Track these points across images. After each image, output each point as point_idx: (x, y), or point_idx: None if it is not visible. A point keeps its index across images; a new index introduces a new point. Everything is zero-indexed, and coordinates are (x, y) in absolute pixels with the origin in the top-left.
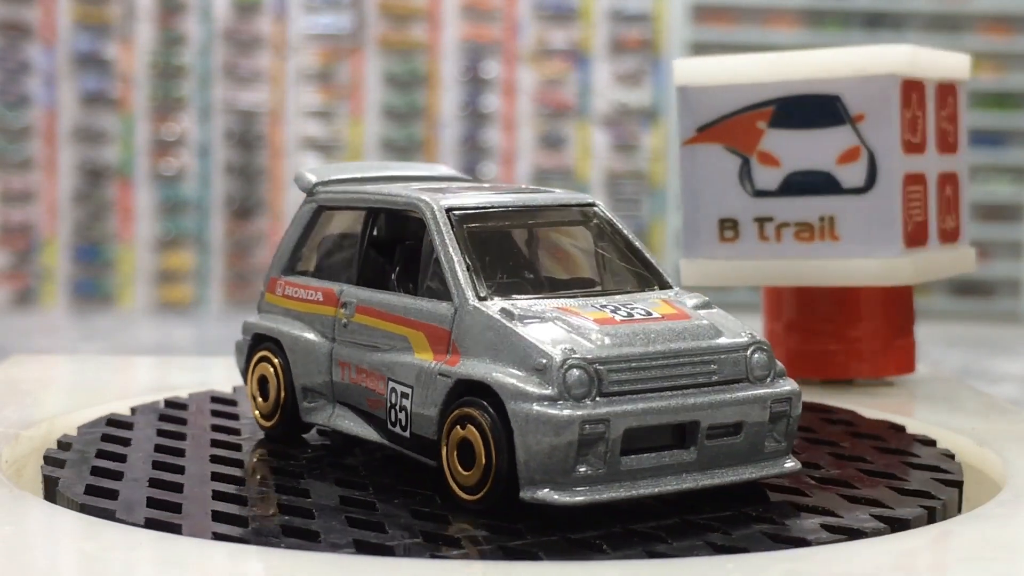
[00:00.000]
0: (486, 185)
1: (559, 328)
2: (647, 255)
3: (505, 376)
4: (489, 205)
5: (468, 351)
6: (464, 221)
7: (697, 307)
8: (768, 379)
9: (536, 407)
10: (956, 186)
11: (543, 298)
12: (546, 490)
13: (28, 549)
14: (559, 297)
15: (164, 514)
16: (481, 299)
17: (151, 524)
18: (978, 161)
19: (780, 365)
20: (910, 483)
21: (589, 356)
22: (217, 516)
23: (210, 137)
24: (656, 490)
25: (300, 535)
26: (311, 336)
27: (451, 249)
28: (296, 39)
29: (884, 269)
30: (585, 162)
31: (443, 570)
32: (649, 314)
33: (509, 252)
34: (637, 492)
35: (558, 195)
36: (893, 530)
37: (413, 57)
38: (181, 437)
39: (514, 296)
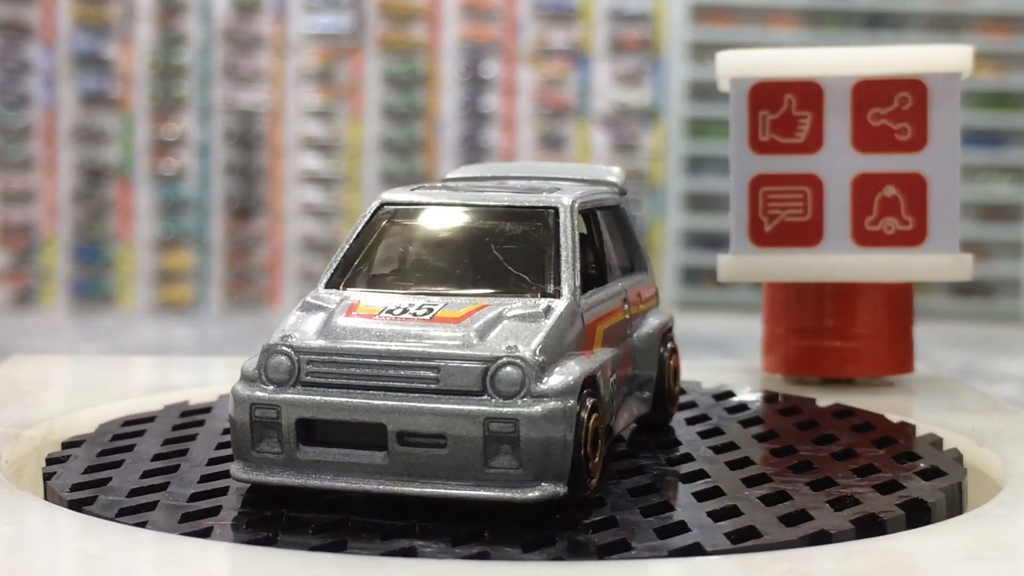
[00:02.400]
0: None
1: (314, 318)
2: (565, 264)
3: (252, 357)
4: (434, 202)
5: None
6: (398, 216)
7: (514, 316)
8: (517, 397)
9: (237, 386)
10: (917, 186)
11: (389, 293)
12: (234, 464)
13: (28, 549)
14: (408, 294)
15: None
16: (325, 287)
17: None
18: (978, 161)
19: (561, 386)
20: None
21: (297, 345)
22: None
23: (210, 137)
24: (337, 485)
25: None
26: None
27: (345, 239)
28: (296, 39)
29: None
30: (585, 162)
31: (443, 570)
32: (428, 314)
33: (436, 248)
34: (313, 483)
35: (519, 197)
36: (893, 530)
37: (413, 57)
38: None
39: (362, 288)
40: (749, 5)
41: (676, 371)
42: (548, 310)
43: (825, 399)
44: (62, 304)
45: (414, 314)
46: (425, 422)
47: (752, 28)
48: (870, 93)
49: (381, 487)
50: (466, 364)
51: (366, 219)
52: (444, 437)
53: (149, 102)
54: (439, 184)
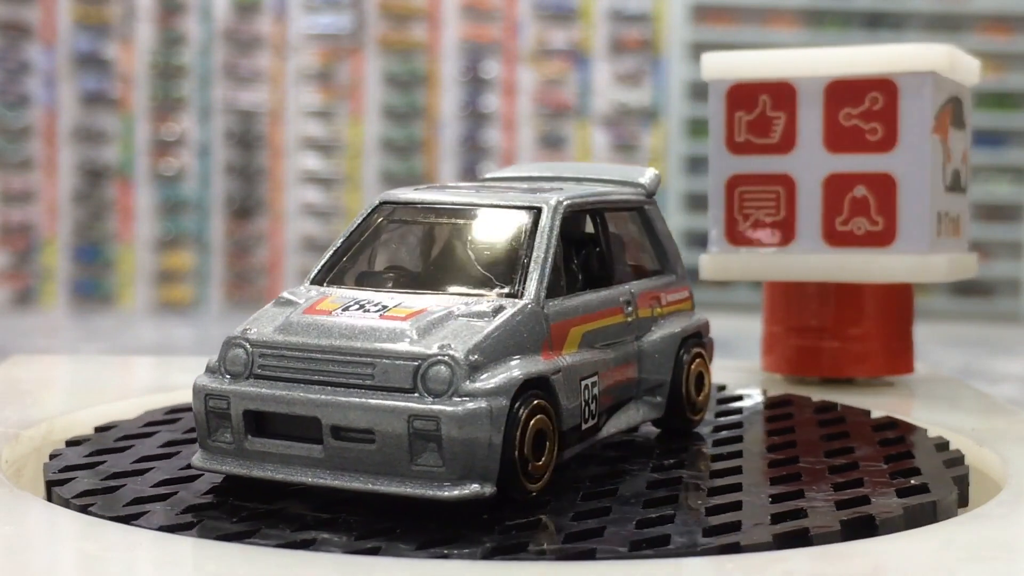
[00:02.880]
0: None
1: (278, 313)
2: (534, 264)
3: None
4: (426, 201)
5: None
6: (394, 215)
7: (463, 316)
8: (445, 395)
9: (199, 376)
10: (887, 187)
11: (361, 291)
12: (196, 454)
13: (28, 549)
14: (377, 292)
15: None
16: (311, 283)
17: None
18: (978, 161)
19: (490, 386)
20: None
21: (253, 339)
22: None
23: (210, 137)
24: (280, 477)
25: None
26: None
27: (340, 237)
28: (296, 39)
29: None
30: (585, 162)
31: (443, 570)
32: (380, 312)
33: (417, 247)
34: (257, 473)
35: (507, 197)
36: (892, 529)
37: (413, 57)
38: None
39: (340, 285)
40: (749, 5)
41: (701, 377)
42: (499, 310)
43: (825, 399)
44: (62, 304)
45: (367, 311)
46: (355, 417)
47: (752, 28)
48: (842, 93)
49: (318, 480)
50: (399, 362)
51: (362, 217)
52: (373, 433)
53: (149, 102)
54: (450, 184)
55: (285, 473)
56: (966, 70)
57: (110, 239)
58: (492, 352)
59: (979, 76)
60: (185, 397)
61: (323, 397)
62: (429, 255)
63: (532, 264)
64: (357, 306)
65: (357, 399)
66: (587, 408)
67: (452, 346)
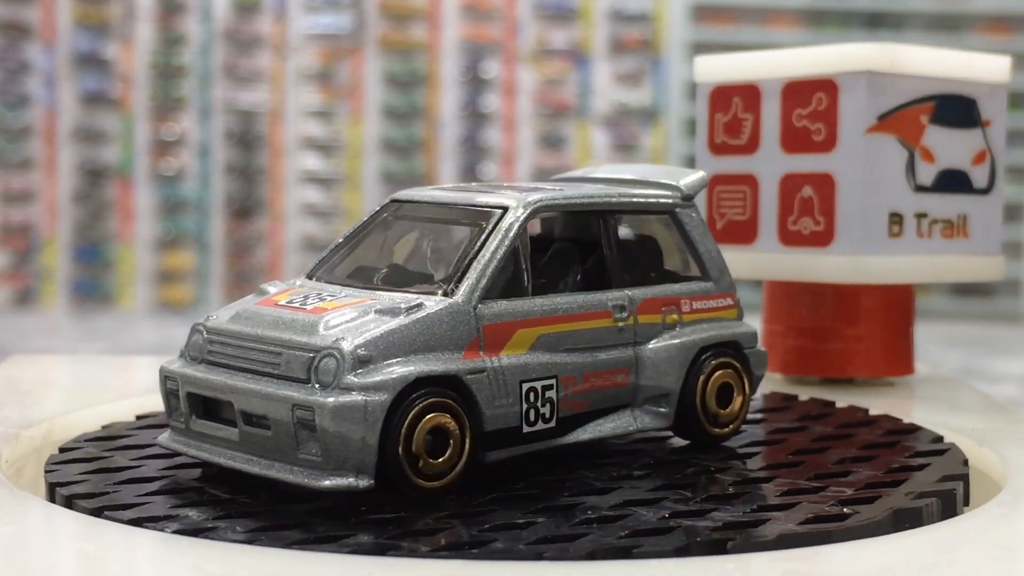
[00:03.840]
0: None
1: (242, 303)
2: (476, 263)
3: None
4: (420, 199)
5: None
6: (397, 213)
7: (377, 311)
8: (330, 386)
9: (168, 360)
10: (828, 187)
11: (320, 285)
12: (163, 434)
13: (28, 549)
14: (332, 286)
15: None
16: (306, 276)
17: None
18: None
19: (370, 381)
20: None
21: (208, 326)
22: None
23: (210, 137)
24: (212, 458)
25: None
26: None
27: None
28: (296, 39)
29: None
30: (585, 162)
31: (444, 570)
32: (309, 305)
33: (390, 244)
34: (196, 454)
35: (480, 197)
36: (892, 529)
37: (413, 57)
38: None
39: (317, 280)
40: (749, 5)
41: (728, 389)
42: (414, 308)
43: (824, 399)
44: (62, 304)
45: (305, 305)
46: (255, 404)
47: (752, 28)
48: (795, 94)
49: (231, 463)
50: (298, 352)
51: (370, 214)
52: (268, 419)
53: (149, 102)
54: (461, 184)
55: (213, 454)
56: (977, 68)
57: (110, 239)
58: (389, 348)
59: (1007, 74)
60: None
61: (236, 383)
62: (403, 253)
63: (474, 264)
64: (304, 299)
65: (257, 386)
66: (534, 411)
67: (345, 340)
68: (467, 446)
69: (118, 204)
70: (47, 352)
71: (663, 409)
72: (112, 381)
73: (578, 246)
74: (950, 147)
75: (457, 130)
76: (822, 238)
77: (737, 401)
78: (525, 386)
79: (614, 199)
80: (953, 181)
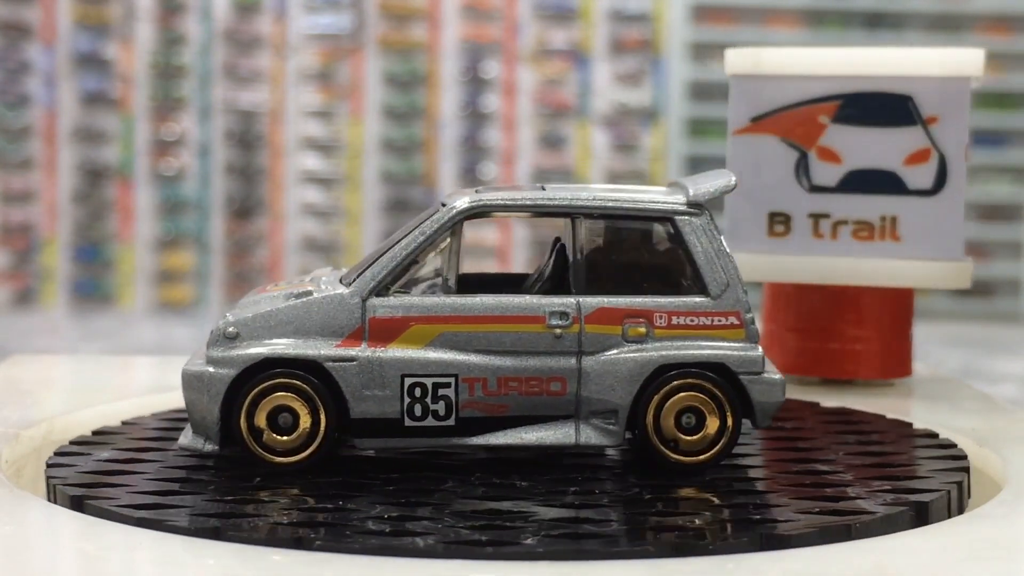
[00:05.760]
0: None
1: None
2: (383, 259)
3: None
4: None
5: None
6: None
7: (280, 297)
8: (204, 358)
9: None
10: None
11: (331, 277)
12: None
13: (28, 549)
14: (332, 280)
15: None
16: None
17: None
18: (979, 161)
19: (218, 355)
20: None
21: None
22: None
23: (210, 137)
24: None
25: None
26: None
27: None
28: (296, 39)
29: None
30: (585, 162)
31: (444, 570)
32: (274, 289)
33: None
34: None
35: (449, 197)
36: (891, 529)
37: (413, 57)
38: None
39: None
40: (749, 5)
41: (698, 415)
42: (302, 295)
43: (824, 400)
44: (62, 304)
45: (272, 289)
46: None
47: (752, 28)
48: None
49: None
50: (215, 331)
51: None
52: None
53: (149, 102)
54: (514, 186)
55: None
56: (911, 63)
57: (110, 239)
58: (259, 330)
59: (964, 68)
60: None
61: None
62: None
63: (382, 259)
64: (287, 287)
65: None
66: (420, 406)
67: (226, 318)
68: (322, 429)
69: (118, 204)
70: (47, 352)
71: (611, 426)
72: (112, 381)
73: (546, 249)
74: (868, 146)
75: (457, 130)
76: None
77: (710, 428)
78: (408, 380)
79: (586, 203)
80: (872, 181)
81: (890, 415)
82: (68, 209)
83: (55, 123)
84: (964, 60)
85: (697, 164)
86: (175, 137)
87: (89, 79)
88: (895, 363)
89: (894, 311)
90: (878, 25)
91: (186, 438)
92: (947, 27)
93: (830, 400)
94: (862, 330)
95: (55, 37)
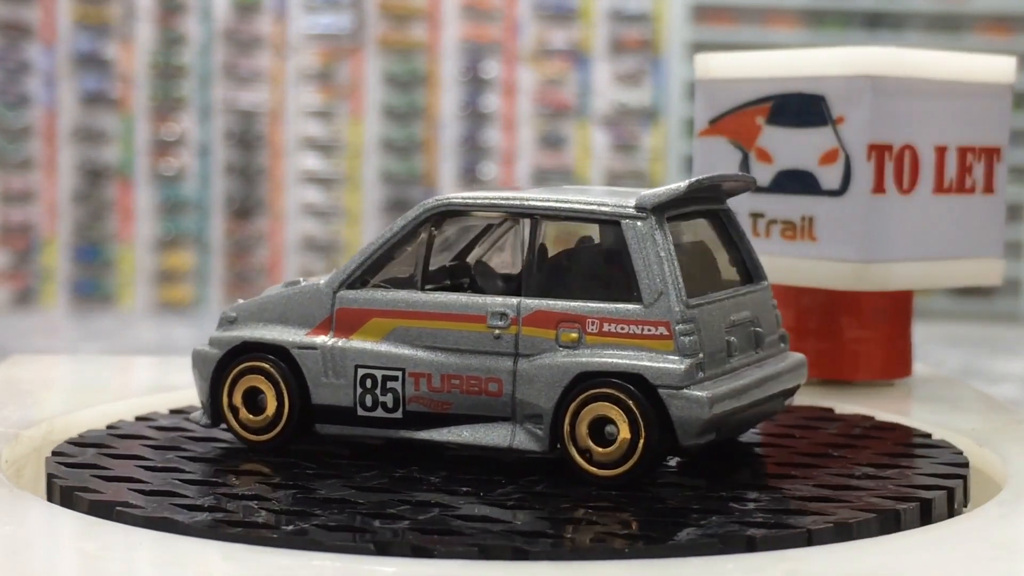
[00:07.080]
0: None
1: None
2: (356, 255)
3: None
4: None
5: None
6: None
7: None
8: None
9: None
10: None
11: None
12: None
13: (28, 549)
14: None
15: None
16: None
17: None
18: None
19: (216, 336)
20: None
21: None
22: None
23: (210, 137)
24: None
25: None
26: None
27: None
28: (296, 39)
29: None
30: (585, 162)
31: (444, 569)
32: (293, 283)
33: None
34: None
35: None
36: (891, 529)
37: (413, 57)
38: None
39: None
40: (749, 5)
41: (614, 426)
42: (291, 284)
43: (824, 400)
44: (62, 304)
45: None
46: None
47: (752, 28)
48: None
49: None
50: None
51: None
52: None
53: (149, 102)
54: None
55: None
56: (823, 63)
57: (110, 239)
58: (252, 315)
59: (876, 67)
60: (185, 397)
61: None
62: None
63: (358, 254)
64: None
65: None
66: (371, 397)
67: (233, 304)
68: (286, 412)
69: (118, 204)
70: (47, 352)
71: (539, 431)
72: (112, 381)
73: (511, 249)
74: (793, 147)
75: (457, 130)
76: None
77: (621, 442)
78: (361, 371)
79: (539, 204)
80: (794, 181)
81: (890, 415)
82: (68, 209)
83: (55, 123)
84: (868, 59)
85: None
86: (175, 137)
87: (89, 79)
88: (895, 363)
89: (894, 311)
90: (878, 25)
91: (196, 413)
92: (947, 27)
93: (830, 401)
94: (862, 330)
95: (55, 37)
